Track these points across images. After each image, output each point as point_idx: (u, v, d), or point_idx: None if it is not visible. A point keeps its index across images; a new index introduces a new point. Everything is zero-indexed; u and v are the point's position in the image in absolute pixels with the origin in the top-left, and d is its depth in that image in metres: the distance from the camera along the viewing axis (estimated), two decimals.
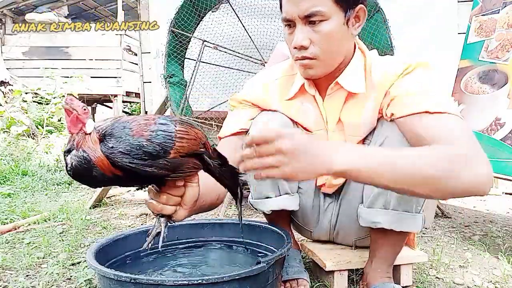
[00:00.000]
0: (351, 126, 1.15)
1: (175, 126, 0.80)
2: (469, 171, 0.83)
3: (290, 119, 1.20)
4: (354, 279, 1.32)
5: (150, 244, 0.89)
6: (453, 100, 1.01)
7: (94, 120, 0.79)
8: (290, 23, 1.05)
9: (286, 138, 0.80)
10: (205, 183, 0.94)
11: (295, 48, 1.05)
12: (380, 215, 1.10)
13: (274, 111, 1.20)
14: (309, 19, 1.02)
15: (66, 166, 0.76)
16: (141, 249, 0.94)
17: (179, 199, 0.88)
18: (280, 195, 1.22)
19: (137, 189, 0.82)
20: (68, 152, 0.76)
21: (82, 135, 0.75)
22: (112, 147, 0.75)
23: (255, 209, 1.27)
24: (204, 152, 0.88)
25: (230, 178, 0.97)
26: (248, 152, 0.82)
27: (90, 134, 0.76)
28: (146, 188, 0.89)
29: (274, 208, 1.22)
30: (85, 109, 0.76)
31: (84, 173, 0.75)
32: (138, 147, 0.75)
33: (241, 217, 1.07)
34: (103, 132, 0.77)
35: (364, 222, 1.15)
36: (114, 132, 0.76)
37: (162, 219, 0.89)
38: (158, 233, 0.88)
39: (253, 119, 1.22)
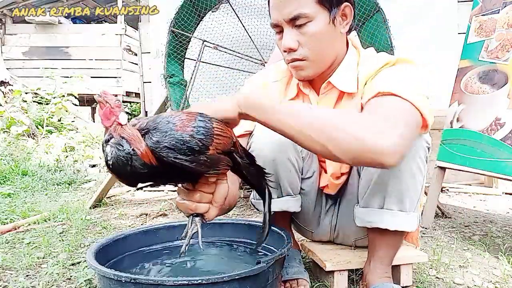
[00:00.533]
0: None
1: (212, 123, 0.82)
2: (368, 134, 0.79)
3: None
4: (354, 279, 1.32)
5: (187, 247, 0.88)
6: (429, 94, 0.97)
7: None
8: (278, 28, 1.08)
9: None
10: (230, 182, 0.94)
11: (284, 51, 1.08)
12: (374, 215, 1.11)
13: None
14: (295, 22, 1.04)
15: (106, 156, 0.75)
16: (178, 254, 0.92)
17: (211, 196, 0.88)
18: (282, 196, 1.22)
19: (151, 186, 0.80)
20: (106, 142, 0.75)
21: (117, 126, 0.76)
22: (157, 141, 0.75)
23: (257, 209, 1.27)
24: (235, 150, 0.89)
25: (257, 178, 0.98)
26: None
27: (125, 125, 0.76)
28: (158, 187, 0.89)
29: (276, 209, 1.22)
30: (118, 102, 0.77)
31: (124, 162, 0.74)
32: (182, 142, 0.75)
33: (269, 218, 0.99)
34: (145, 127, 0.77)
35: (360, 222, 1.15)
36: (159, 127, 0.76)
37: (196, 219, 0.88)
38: (195, 233, 0.88)
39: None
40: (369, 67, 1.09)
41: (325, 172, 1.29)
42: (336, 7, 1.06)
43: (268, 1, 1.11)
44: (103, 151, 0.76)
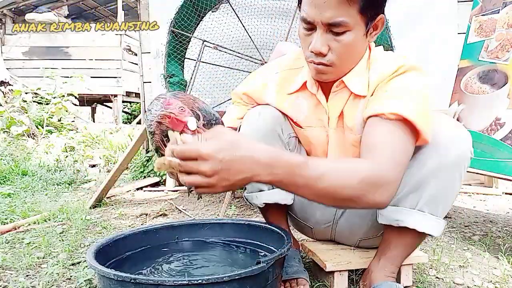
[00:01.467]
0: (351, 125, 1.15)
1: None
2: (372, 198, 0.88)
3: (282, 112, 1.21)
4: (354, 279, 1.32)
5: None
6: (434, 112, 1.03)
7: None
8: (309, 25, 1.02)
9: (208, 160, 0.76)
10: None
11: (311, 52, 1.03)
12: (405, 214, 1.08)
13: (266, 104, 1.21)
14: (332, 28, 0.99)
15: None
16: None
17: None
18: (273, 188, 1.21)
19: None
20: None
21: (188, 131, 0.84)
22: None
23: (250, 203, 1.27)
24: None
25: None
26: (173, 163, 0.79)
27: (195, 130, 0.83)
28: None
29: (267, 201, 1.22)
30: (182, 109, 0.82)
31: None
32: None
33: None
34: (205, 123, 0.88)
35: (385, 220, 1.12)
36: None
37: None
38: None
39: (242, 118, 1.23)
40: (380, 72, 1.08)
41: None
42: (373, 20, 1.03)
43: None
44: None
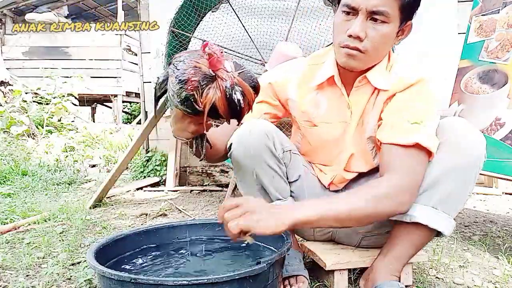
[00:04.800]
0: (369, 122, 1.19)
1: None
2: (392, 209, 1.04)
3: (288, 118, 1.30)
4: (352, 278, 1.32)
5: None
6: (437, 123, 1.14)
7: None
8: (351, 11, 1.08)
9: (243, 205, 0.93)
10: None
11: (349, 36, 1.08)
12: (418, 210, 1.09)
13: (258, 119, 1.23)
14: (373, 16, 1.06)
15: (227, 95, 0.89)
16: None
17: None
18: (272, 201, 1.23)
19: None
20: (209, 83, 0.89)
21: (225, 72, 0.89)
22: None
23: None
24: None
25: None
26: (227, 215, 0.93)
27: (231, 72, 0.89)
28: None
29: None
30: (221, 51, 0.90)
31: (235, 102, 0.90)
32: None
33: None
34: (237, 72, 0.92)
35: (398, 215, 1.12)
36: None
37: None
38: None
39: (267, 113, 1.30)
40: (401, 77, 1.15)
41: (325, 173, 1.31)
42: (405, 22, 1.12)
43: None
44: (201, 92, 0.88)
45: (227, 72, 0.89)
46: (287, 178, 1.26)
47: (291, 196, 1.27)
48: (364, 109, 1.19)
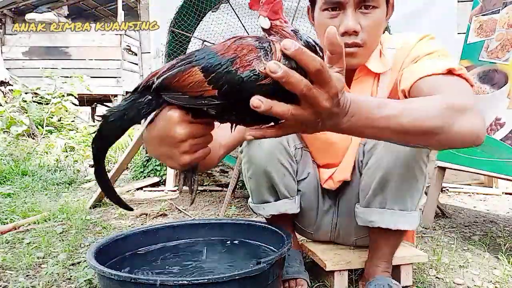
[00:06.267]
0: None
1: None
2: (466, 122, 0.75)
3: None
4: (353, 279, 1.32)
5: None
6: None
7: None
8: (336, 6, 1.02)
9: (332, 98, 0.60)
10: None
11: (345, 33, 1.01)
12: (376, 214, 1.11)
13: None
14: (361, 5, 1.01)
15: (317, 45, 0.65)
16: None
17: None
18: (280, 199, 1.22)
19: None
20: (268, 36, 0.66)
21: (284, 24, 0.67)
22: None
23: (255, 213, 1.28)
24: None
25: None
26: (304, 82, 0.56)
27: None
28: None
29: (273, 213, 1.23)
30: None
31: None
32: None
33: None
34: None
35: (361, 221, 1.16)
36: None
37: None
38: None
39: None
40: (402, 47, 1.07)
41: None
42: (389, 1, 1.08)
43: None
44: (265, 48, 0.61)
45: (286, 22, 0.67)
46: (296, 176, 1.25)
47: (297, 195, 1.26)
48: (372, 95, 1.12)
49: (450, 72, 0.89)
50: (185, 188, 0.77)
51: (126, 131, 0.74)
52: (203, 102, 0.66)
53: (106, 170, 0.77)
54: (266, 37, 0.67)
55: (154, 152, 0.74)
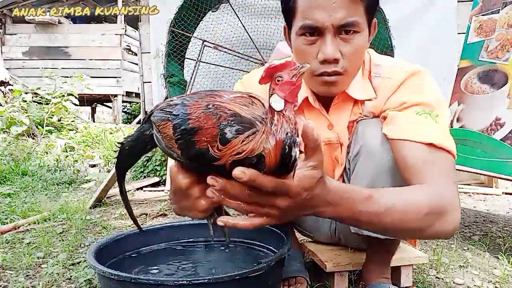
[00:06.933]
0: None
1: None
2: (443, 223, 0.83)
3: None
4: (353, 279, 1.32)
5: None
6: (449, 113, 1.00)
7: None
8: (313, 31, 0.95)
9: (292, 198, 0.66)
10: None
11: (324, 61, 0.95)
12: None
13: None
14: (341, 31, 0.93)
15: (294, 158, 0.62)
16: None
17: None
18: None
19: None
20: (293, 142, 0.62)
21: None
22: None
23: None
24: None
25: None
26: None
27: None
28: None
29: None
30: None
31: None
32: None
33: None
34: None
35: (353, 229, 1.13)
36: None
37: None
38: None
39: None
40: (389, 77, 1.02)
41: None
42: (371, 22, 0.99)
43: None
44: (288, 151, 0.61)
45: (289, 114, 0.62)
46: None
47: None
48: (350, 124, 1.09)
49: (433, 144, 0.90)
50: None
51: (140, 158, 0.85)
52: (172, 155, 0.73)
53: (126, 191, 0.89)
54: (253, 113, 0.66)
55: (178, 210, 0.78)
